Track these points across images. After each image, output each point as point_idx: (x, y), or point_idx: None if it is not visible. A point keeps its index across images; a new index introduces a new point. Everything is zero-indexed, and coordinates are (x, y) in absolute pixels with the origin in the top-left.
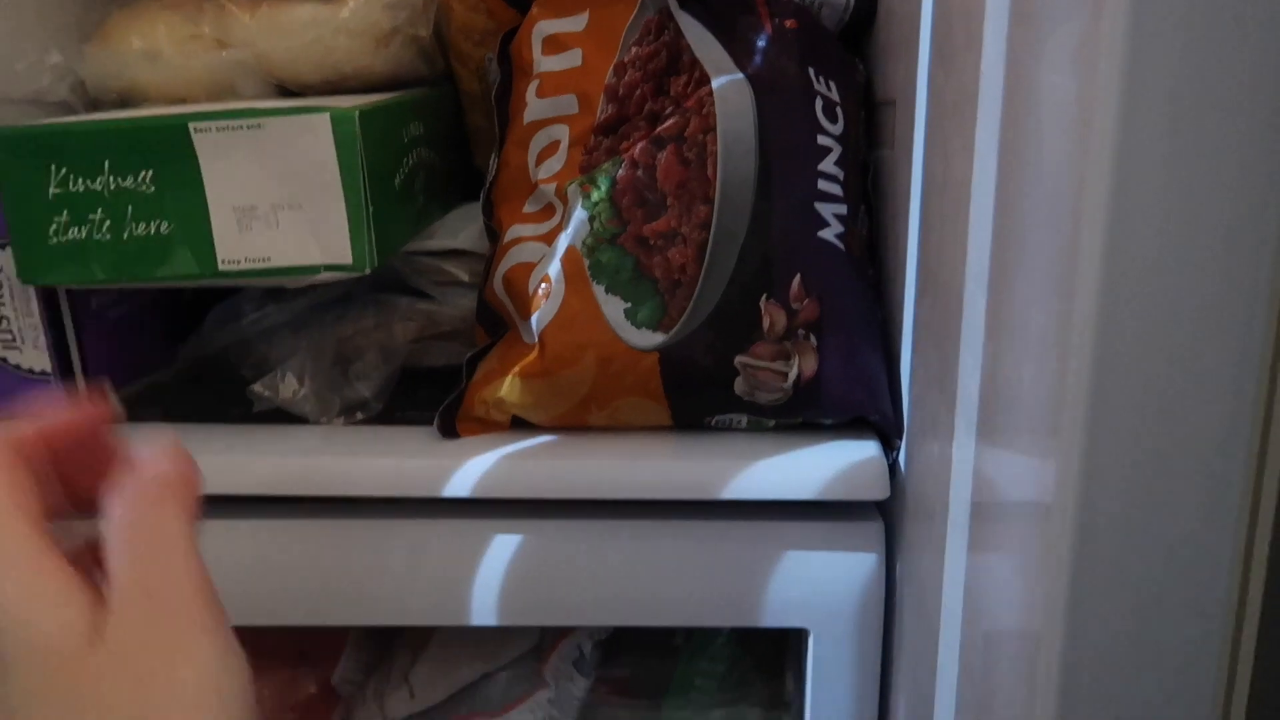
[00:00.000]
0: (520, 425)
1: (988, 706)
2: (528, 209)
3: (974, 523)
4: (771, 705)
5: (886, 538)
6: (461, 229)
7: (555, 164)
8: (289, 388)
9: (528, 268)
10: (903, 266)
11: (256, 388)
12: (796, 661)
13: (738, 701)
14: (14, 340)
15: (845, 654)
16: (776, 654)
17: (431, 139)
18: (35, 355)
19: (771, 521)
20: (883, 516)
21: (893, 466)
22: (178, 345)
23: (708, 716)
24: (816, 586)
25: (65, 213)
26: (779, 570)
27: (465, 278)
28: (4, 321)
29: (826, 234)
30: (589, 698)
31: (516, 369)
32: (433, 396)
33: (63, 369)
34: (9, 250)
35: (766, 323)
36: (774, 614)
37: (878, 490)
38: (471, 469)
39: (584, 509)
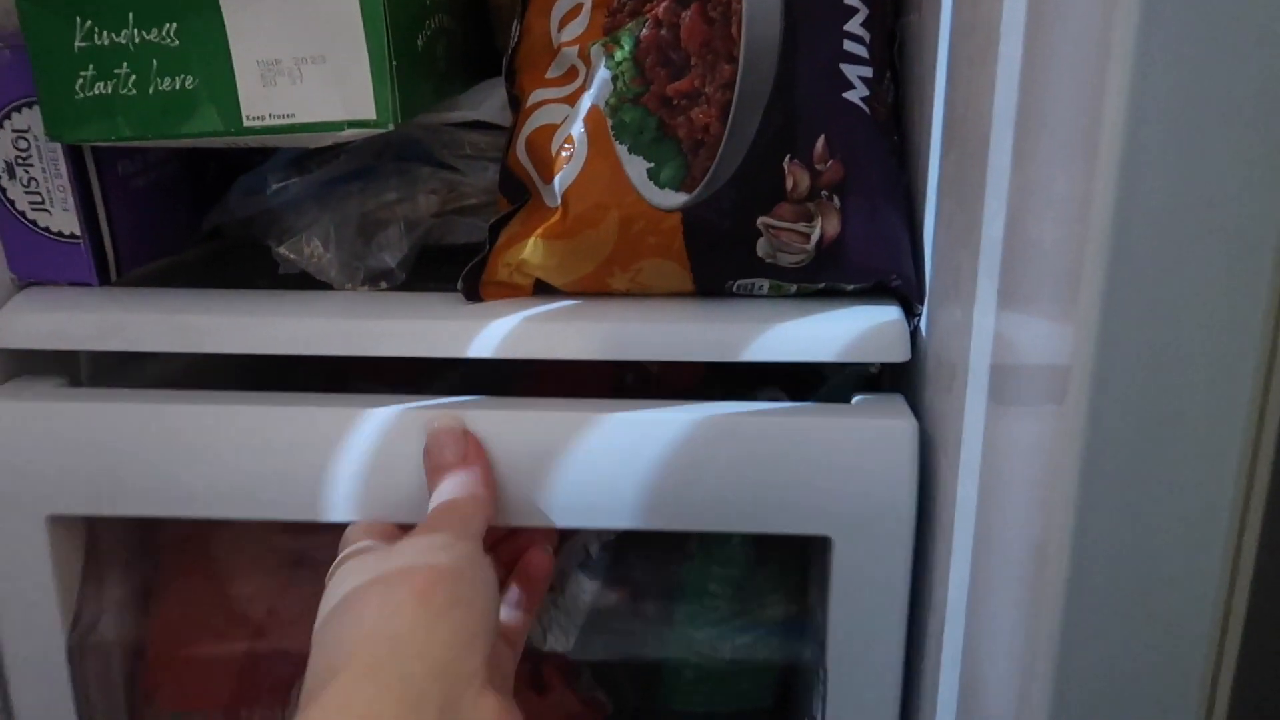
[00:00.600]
0: (543, 291)
1: (1000, 568)
2: (550, 74)
3: (993, 385)
4: (791, 616)
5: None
6: (484, 101)
7: (578, 27)
8: (314, 251)
9: (550, 130)
10: (928, 131)
11: (282, 249)
12: (820, 570)
13: (754, 611)
14: (42, 202)
15: (872, 563)
16: (798, 561)
17: (452, 7)
18: (64, 218)
19: (795, 417)
20: (902, 387)
21: (913, 333)
22: (201, 219)
23: (722, 626)
24: (842, 490)
25: (91, 66)
26: (801, 471)
27: (489, 151)
28: (33, 182)
29: (851, 96)
30: (596, 602)
31: (539, 230)
32: (455, 272)
33: (91, 234)
34: (36, 109)
35: (790, 183)
36: (796, 520)
37: (898, 353)
38: (495, 329)
39: (589, 399)
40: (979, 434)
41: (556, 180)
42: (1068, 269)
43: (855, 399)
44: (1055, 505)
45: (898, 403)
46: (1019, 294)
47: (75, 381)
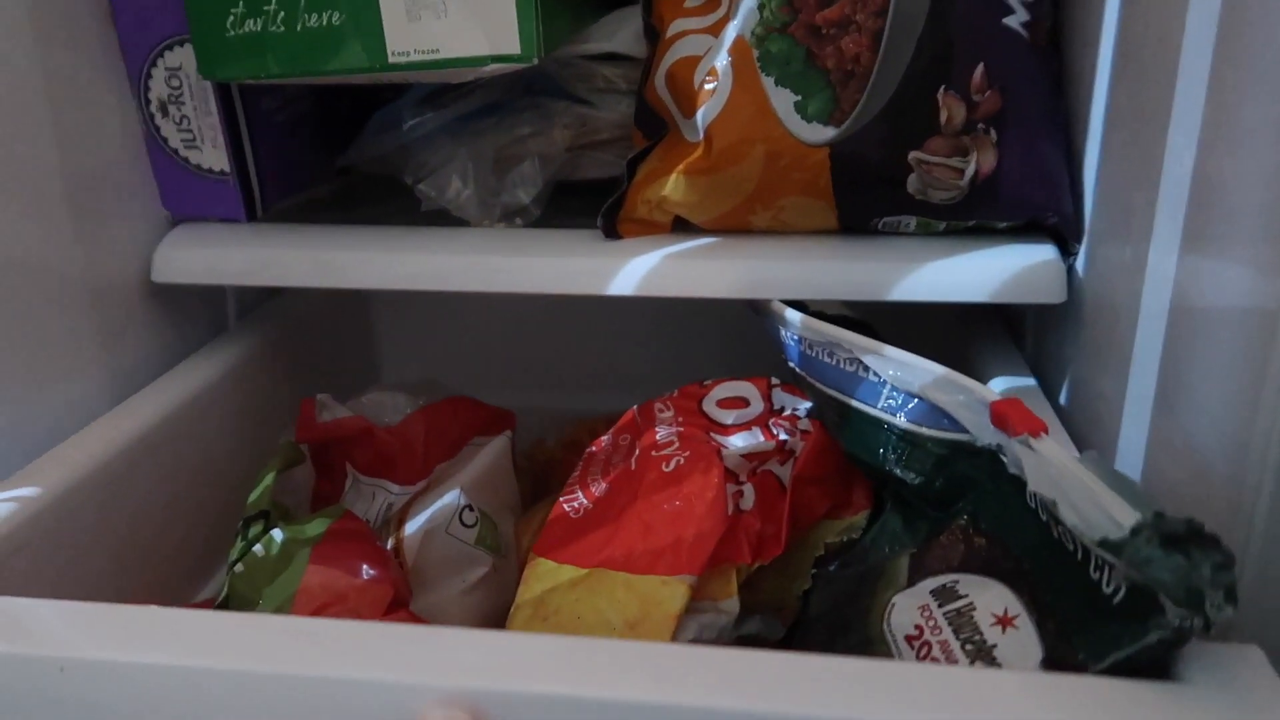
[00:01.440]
0: (681, 228)
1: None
2: (690, 3)
3: (1171, 330)
4: None
5: (1050, 341)
6: (616, 32)
7: None
8: (453, 188)
9: (692, 61)
10: (1093, 58)
11: (423, 186)
12: None
13: None
14: (194, 140)
15: None
16: None
17: None
18: (214, 155)
19: None
20: (1047, 325)
21: (1069, 271)
22: (335, 154)
23: None
24: None
25: (241, 3)
26: None
27: (622, 84)
28: (185, 120)
29: (1011, 21)
30: None
31: (681, 166)
32: (589, 206)
33: (239, 170)
34: (188, 47)
35: (944, 116)
36: None
37: (1054, 294)
38: (635, 267)
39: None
40: (1151, 374)
41: (699, 114)
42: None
43: None
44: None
45: None
46: (1210, 234)
47: (222, 323)
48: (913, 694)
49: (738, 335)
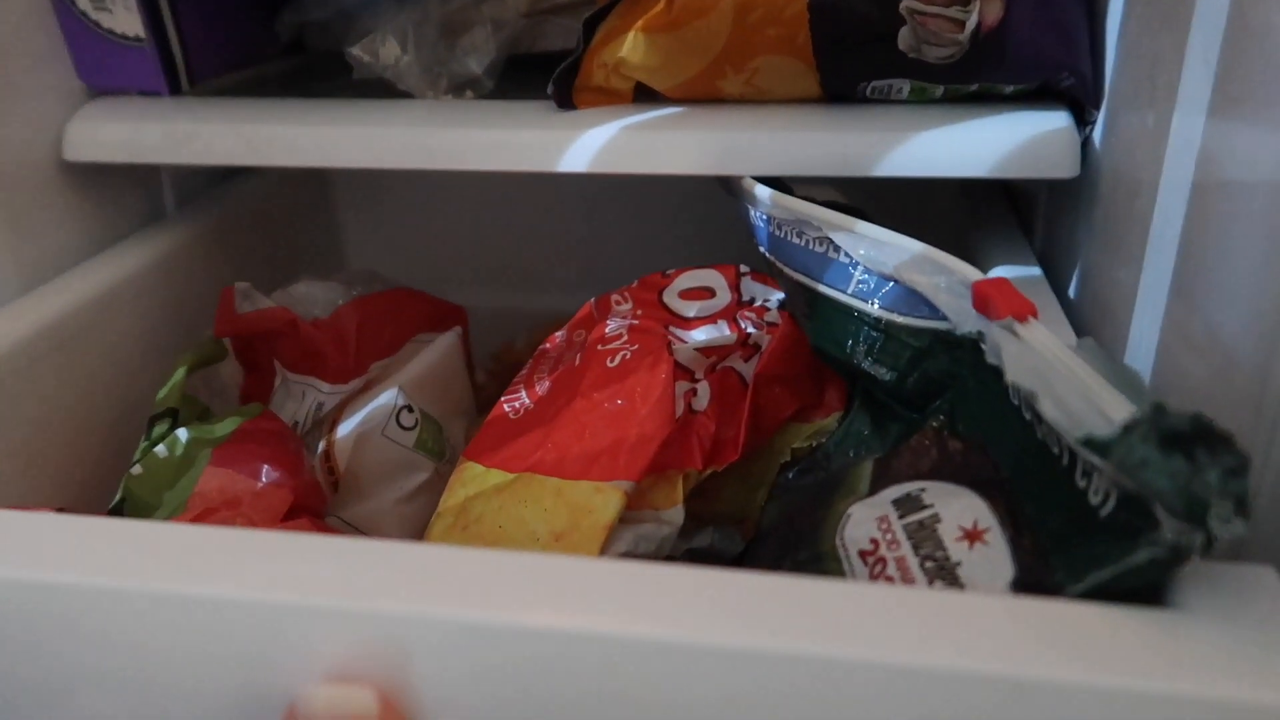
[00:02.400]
0: (645, 97)
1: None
2: None
3: (1193, 205)
4: None
5: (1061, 227)
6: None
7: None
8: (390, 53)
9: None
10: None
11: (355, 50)
12: None
13: None
14: (103, 1)
15: None
16: None
17: None
18: (127, 19)
19: None
20: (1058, 209)
21: (1085, 143)
22: (276, 23)
23: None
24: None
25: None
26: None
27: None
28: None
29: None
30: None
31: (640, 23)
32: (546, 82)
33: (157, 36)
34: None
35: None
36: None
37: (1065, 167)
38: (590, 140)
39: None
40: (1169, 256)
41: None
42: None
43: None
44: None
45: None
46: (1245, 95)
47: (158, 211)
48: (837, 618)
49: (721, 226)
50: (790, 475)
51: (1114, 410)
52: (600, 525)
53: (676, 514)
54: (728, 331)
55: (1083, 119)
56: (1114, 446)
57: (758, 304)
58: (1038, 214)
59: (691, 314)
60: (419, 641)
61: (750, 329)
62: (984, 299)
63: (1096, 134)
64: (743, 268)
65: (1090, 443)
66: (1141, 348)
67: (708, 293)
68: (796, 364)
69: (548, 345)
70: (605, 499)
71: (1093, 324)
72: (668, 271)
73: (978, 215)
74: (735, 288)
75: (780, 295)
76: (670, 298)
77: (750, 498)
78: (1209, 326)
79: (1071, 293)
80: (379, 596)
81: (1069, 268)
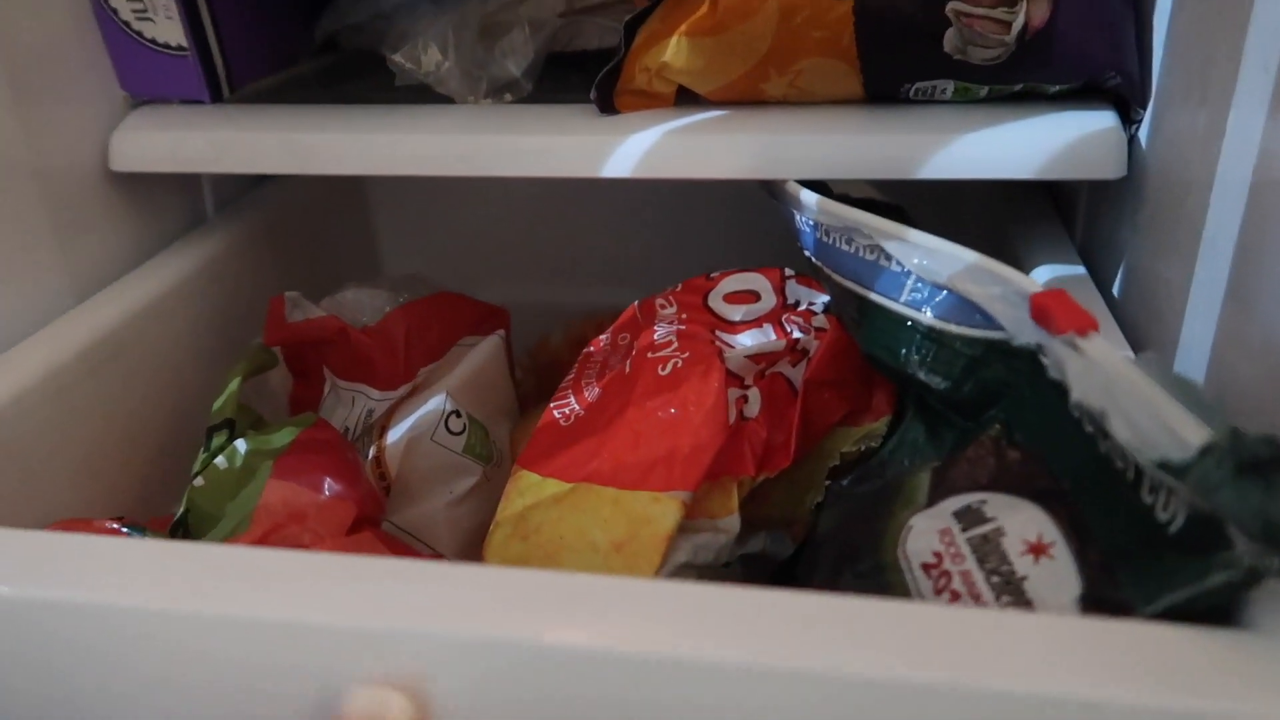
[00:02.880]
0: (687, 100)
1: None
2: None
3: (1252, 206)
4: None
5: (1104, 224)
6: None
7: None
8: (431, 59)
9: None
10: None
11: (397, 57)
12: None
13: None
14: (146, 10)
15: None
16: None
17: None
18: (169, 28)
19: None
20: (1102, 205)
21: (1130, 142)
22: (312, 25)
23: None
24: None
25: None
26: None
27: None
28: None
29: None
30: None
31: (683, 27)
32: (586, 80)
33: (199, 45)
34: None
35: None
36: None
37: (1112, 167)
38: (634, 144)
39: None
40: (1224, 258)
41: None
42: None
43: None
44: None
45: None
46: None
47: (199, 215)
48: (910, 640)
49: (756, 222)
50: (844, 482)
51: (1186, 431)
52: (660, 535)
53: (733, 522)
54: (774, 336)
55: (1128, 118)
56: (1191, 470)
57: (803, 307)
58: (1078, 210)
59: (737, 318)
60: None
61: (797, 334)
62: (1043, 312)
63: (1142, 133)
64: (787, 271)
65: (1166, 466)
66: (1194, 351)
67: (753, 296)
68: (845, 368)
69: (592, 349)
70: (663, 509)
71: (1139, 324)
72: (712, 274)
73: (1018, 211)
74: (780, 291)
75: (825, 298)
76: (715, 301)
77: (800, 501)
78: (1266, 331)
79: (1116, 291)
80: (462, 620)
81: (1113, 266)
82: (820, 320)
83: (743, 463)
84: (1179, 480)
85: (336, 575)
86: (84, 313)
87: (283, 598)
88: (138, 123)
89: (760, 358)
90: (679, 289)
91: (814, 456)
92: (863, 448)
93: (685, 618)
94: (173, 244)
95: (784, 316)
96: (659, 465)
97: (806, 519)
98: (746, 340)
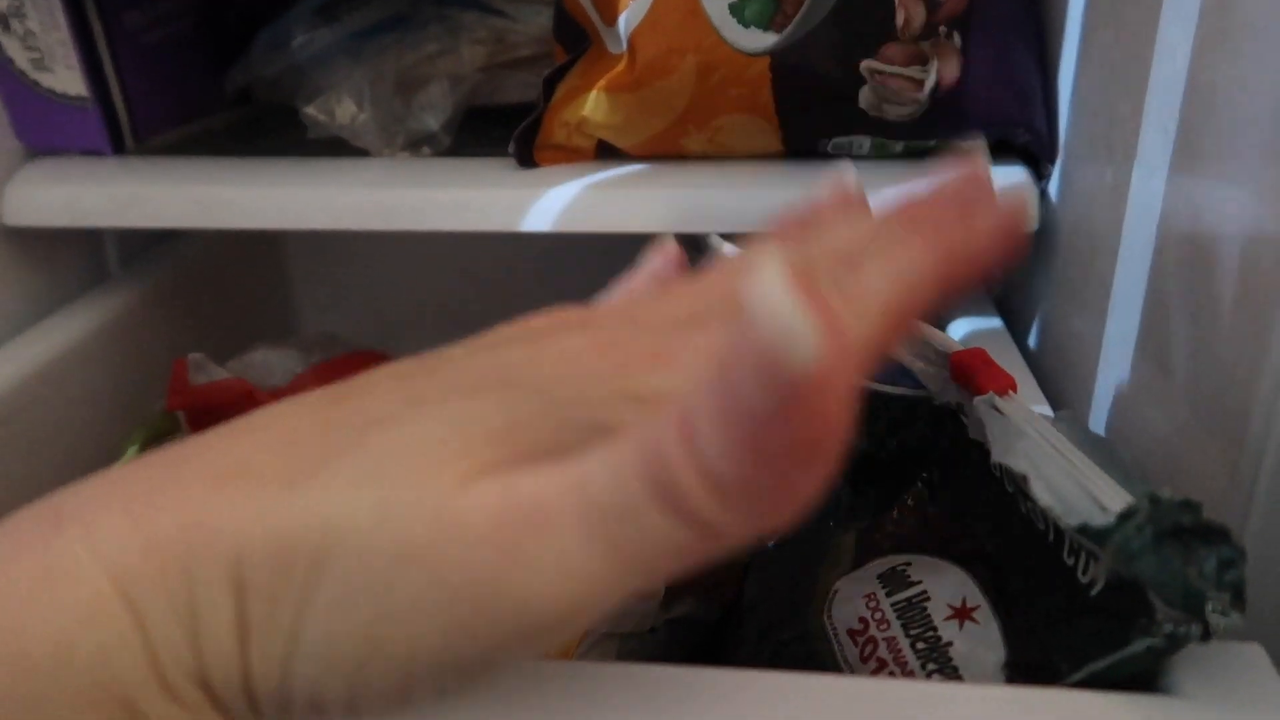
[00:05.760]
0: (607, 155)
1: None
2: None
3: (1158, 261)
4: None
5: (1018, 276)
6: None
7: None
8: (346, 111)
9: None
10: None
11: (310, 110)
12: None
13: None
14: (43, 59)
15: None
16: None
17: None
18: (69, 77)
19: None
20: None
21: (1041, 197)
22: (224, 77)
23: None
24: None
25: None
26: None
27: None
28: (31, 36)
29: None
30: None
31: (602, 82)
32: (505, 135)
33: (100, 95)
34: None
35: (901, 18)
36: None
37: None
38: (553, 199)
39: None
40: (1134, 311)
41: (621, 21)
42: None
43: None
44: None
45: None
46: (1206, 152)
47: (102, 271)
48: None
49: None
50: (770, 545)
51: (1104, 496)
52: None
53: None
54: None
55: (1039, 173)
56: (1110, 536)
57: None
58: None
59: None
60: None
61: None
62: (963, 371)
63: (1052, 187)
64: None
65: (1086, 531)
66: (1108, 404)
67: None
68: None
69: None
70: None
71: (1056, 377)
72: None
73: None
74: None
75: None
76: None
77: (726, 563)
78: (1178, 385)
79: (1031, 343)
80: None
81: (1028, 319)
82: None
83: None
84: (1099, 546)
85: None
86: None
87: None
88: (34, 175)
89: None
90: None
91: None
92: None
93: (601, 703)
94: (72, 302)
95: None
96: None
97: (734, 581)
98: None
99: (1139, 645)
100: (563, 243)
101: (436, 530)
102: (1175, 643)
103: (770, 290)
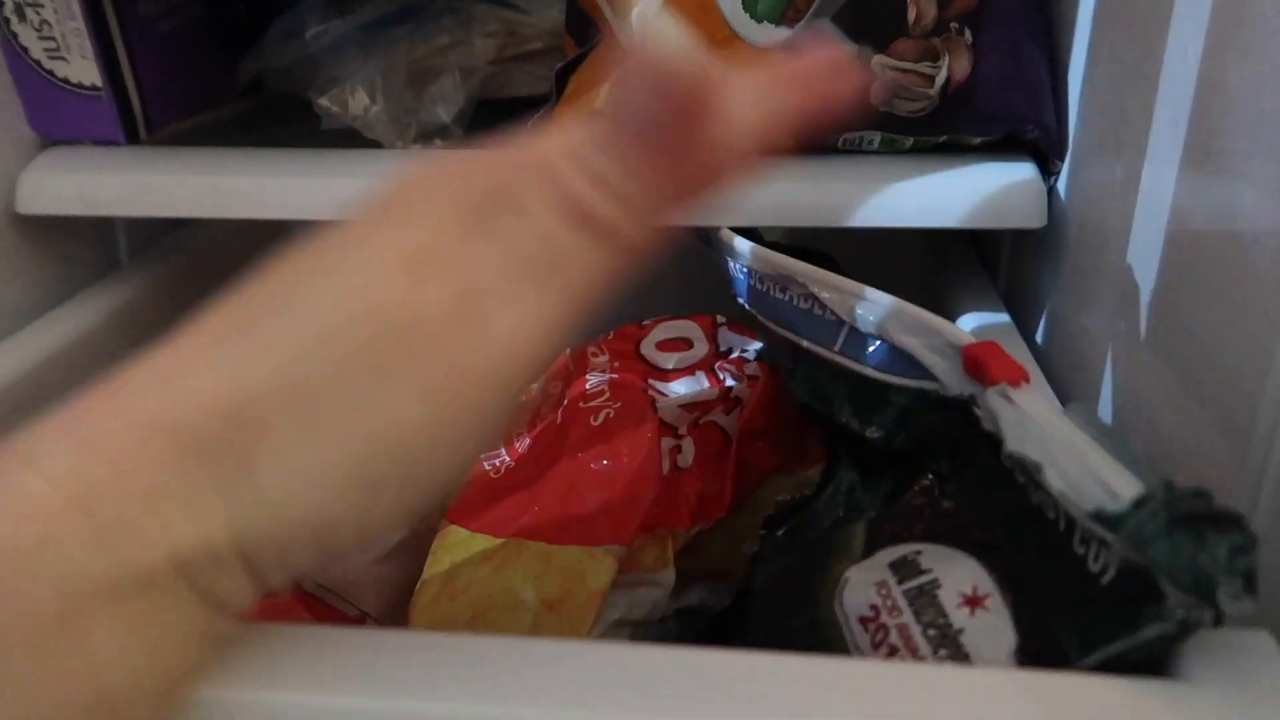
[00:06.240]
0: None
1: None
2: None
3: (1167, 258)
4: None
5: (1025, 272)
6: None
7: None
8: (359, 103)
9: None
10: None
11: (323, 101)
12: None
13: None
14: (59, 49)
15: None
16: None
17: None
18: (83, 67)
19: None
20: (1024, 253)
21: (1050, 193)
22: (236, 67)
23: None
24: None
25: None
26: None
27: None
28: (45, 25)
29: None
30: None
31: (615, 75)
32: (514, 125)
33: (114, 85)
34: None
35: (913, 14)
36: None
37: (1033, 217)
38: None
39: None
40: (1144, 309)
41: (635, 13)
42: None
43: None
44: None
45: None
46: (1218, 149)
47: (112, 261)
48: (847, 698)
49: (689, 269)
50: (779, 534)
51: (1118, 483)
52: (594, 592)
53: (668, 575)
54: (707, 384)
55: (1047, 169)
56: (1124, 522)
57: (735, 355)
58: (1001, 259)
59: (670, 366)
60: None
61: (730, 381)
62: (976, 363)
63: (1061, 184)
64: (719, 318)
65: (1100, 517)
66: (1117, 400)
67: (685, 344)
68: (778, 417)
69: (523, 398)
70: (597, 565)
71: (1063, 372)
72: (644, 322)
73: (942, 259)
74: (713, 338)
75: (758, 345)
76: (648, 349)
77: (736, 551)
78: (1186, 380)
79: (1039, 339)
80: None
81: (1036, 314)
82: (753, 368)
83: (678, 515)
84: (1112, 532)
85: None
86: None
87: None
88: (47, 164)
89: (693, 407)
90: (611, 337)
91: (749, 507)
92: (798, 495)
93: (621, 683)
94: (82, 291)
95: (717, 364)
96: (593, 519)
97: (743, 569)
98: (680, 388)
99: (1151, 630)
100: None
101: (401, 322)
102: (1187, 628)
103: (661, 19)
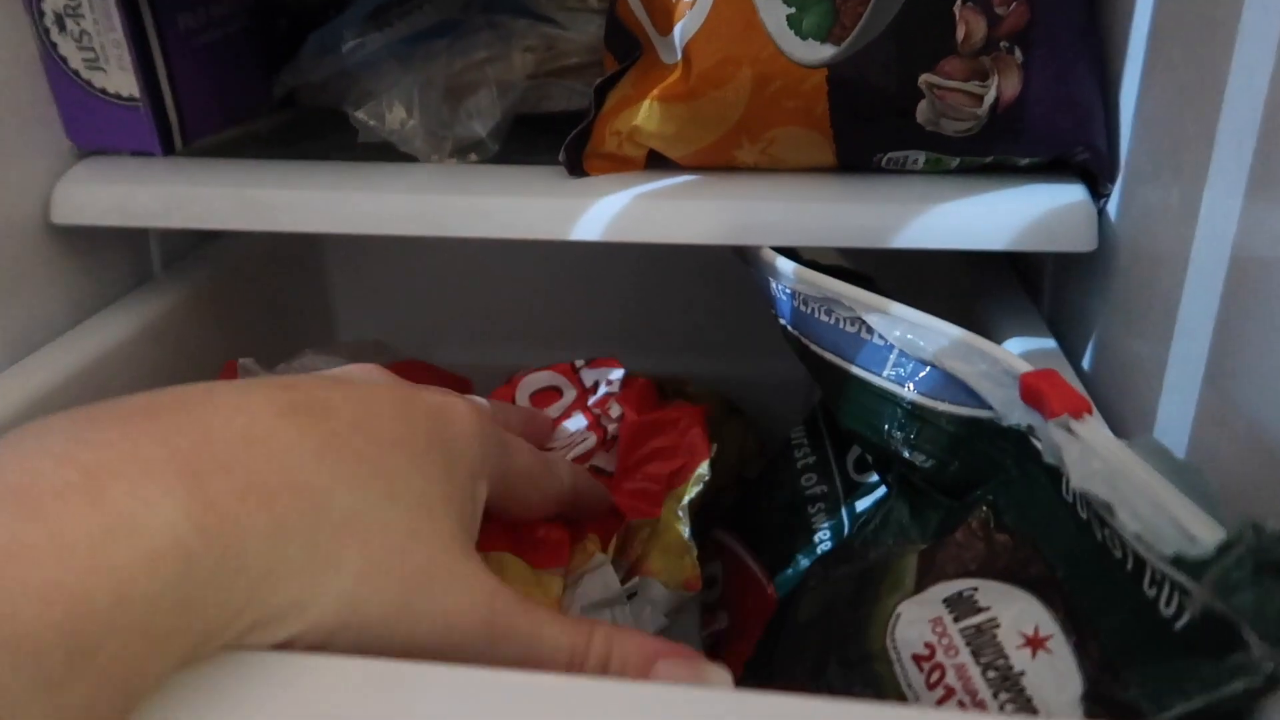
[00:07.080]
0: (657, 164)
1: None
2: None
3: (1230, 286)
4: None
5: (1071, 296)
6: None
7: None
8: (396, 117)
9: None
10: None
11: (360, 114)
12: None
13: None
14: (97, 60)
15: None
16: None
17: None
18: (121, 78)
19: None
20: (1070, 277)
21: (1099, 216)
22: (274, 83)
23: None
24: None
25: None
26: None
27: (593, 1)
28: (85, 37)
29: None
30: None
31: (655, 92)
32: (553, 143)
33: (152, 96)
34: None
35: (962, 32)
36: None
37: (1083, 240)
38: (602, 209)
39: None
40: (1203, 336)
41: (677, 30)
42: None
43: None
44: None
45: None
46: None
47: (145, 272)
48: None
49: (726, 286)
50: (823, 565)
51: (1195, 526)
52: (551, 600)
53: (601, 558)
54: (585, 423)
55: (1097, 192)
56: (1208, 568)
57: (601, 391)
58: (1044, 283)
59: (555, 415)
60: None
61: (605, 423)
62: (1034, 393)
63: (1111, 207)
64: (577, 362)
65: (1180, 562)
66: (1172, 431)
67: (555, 393)
68: (650, 442)
69: None
70: (549, 581)
71: (1112, 401)
72: (511, 378)
73: (983, 282)
74: (578, 382)
75: (619, 373)
76: (524, 403)
77: (678, 564)
78: (1248, 413)
79: (1086, 365)
80: None
81: (1083, 340)
82: (616, 409)
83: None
84: (1194, 579)
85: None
86: (14, 376)
87: None
88: (84, 174)
89: (582, 459)
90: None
91: (665, 524)
92: (697, 493)
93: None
94: (115, 303)
95: (589, 400)
96: (528, 552)
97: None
98: (570, 426)
99: (1235, 685)
100: (600, 251)
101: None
102: (1274, 682)
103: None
